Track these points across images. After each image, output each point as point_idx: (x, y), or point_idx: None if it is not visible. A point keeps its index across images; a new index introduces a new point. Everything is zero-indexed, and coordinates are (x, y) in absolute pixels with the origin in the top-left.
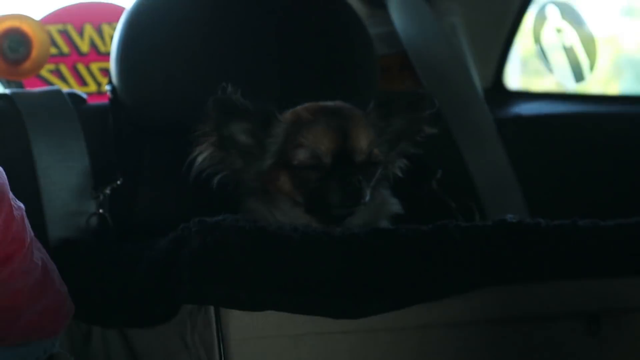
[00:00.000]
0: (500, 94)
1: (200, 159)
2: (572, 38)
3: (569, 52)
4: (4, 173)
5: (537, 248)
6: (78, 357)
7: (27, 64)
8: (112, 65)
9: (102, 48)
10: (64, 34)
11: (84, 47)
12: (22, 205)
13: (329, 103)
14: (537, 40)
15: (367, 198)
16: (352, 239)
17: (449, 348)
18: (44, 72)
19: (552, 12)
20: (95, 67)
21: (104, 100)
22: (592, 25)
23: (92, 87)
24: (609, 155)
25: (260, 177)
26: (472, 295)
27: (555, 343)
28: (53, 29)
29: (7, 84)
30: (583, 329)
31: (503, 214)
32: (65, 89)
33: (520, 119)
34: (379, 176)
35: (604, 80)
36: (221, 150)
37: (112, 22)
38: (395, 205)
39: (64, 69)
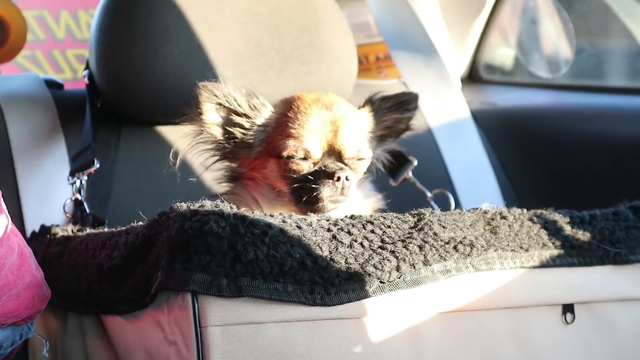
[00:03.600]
0: (476, 83)
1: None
2: (547, 29)
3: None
4: None
5: (513, 236)
6: (54, 343)
7: (4, 50)
8: (90, 51)
9: (78, 35)
10: (40, 19)
11: (60, 33)
12: None
13: (323, 95)
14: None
15: (353, 193)
16: (331, 227)
17: (420, 337)
18: (19, 58)
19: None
20: (71, 53)
21: (80, 87)
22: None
23: (68, 74)
24: (583, 146)
25: (247, 164)
26: (447, 284)
27: (530, 332)
28: (29, 15)
29: None
30: (557, 319)
31: (478, 203)
32: (41, 75)
33: (496, 109)
34: (365, 171)
35: None
36: (209, 135)
37: (89, 8)
38: (377, 200)
39: (39, 55)
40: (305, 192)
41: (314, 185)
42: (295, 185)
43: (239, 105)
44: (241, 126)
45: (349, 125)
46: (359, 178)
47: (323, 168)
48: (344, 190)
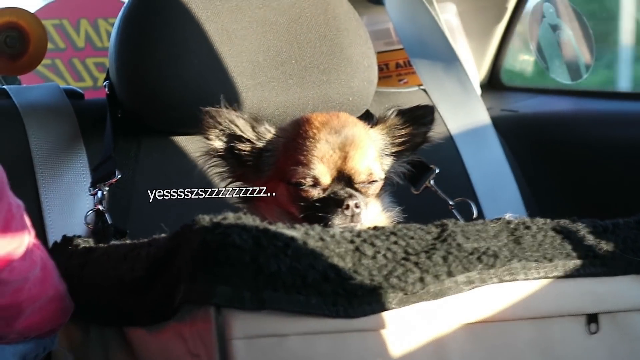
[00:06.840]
0: (497, 90)
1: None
2: (569, 35)
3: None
4: (3, 171)
5: (536, 246)
6: (77, 355)
7: (24, 60)
8: (110, 60)
9: (98, 43)
10: (60, 28)
11: (80, 42)
12: (21, 202)
13: (333, 116)
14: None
15: (365, 217)
16: (354, 239)
17: (444, 349)
18: (40, 67)
19: (548, 9)
20: (91, 62)
21: (100, 96)
22: None
23: (88, 82)
24: (606, 153)
25: (258, 187)
26: (471, 295)
27: (554, 342)
28: (48, 24)
29: (4, 80)
30: (581, 329)
31: (500, 211)
32: (62, 85)
33: (517, 115)
34: (380, 187)
35: None
36: (220, 157)
37: (108, 17)
38: (396, 214)
39: (59, 64)
40: (316, 220)
41: (324, 213)
42: (307, 211)
43: (242, 132)
44: (246, 152)
45: (359, 149)
46: (371, 198)
47: (332, 195)
48: (354, 217)
